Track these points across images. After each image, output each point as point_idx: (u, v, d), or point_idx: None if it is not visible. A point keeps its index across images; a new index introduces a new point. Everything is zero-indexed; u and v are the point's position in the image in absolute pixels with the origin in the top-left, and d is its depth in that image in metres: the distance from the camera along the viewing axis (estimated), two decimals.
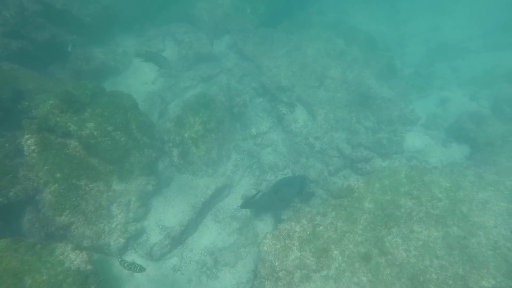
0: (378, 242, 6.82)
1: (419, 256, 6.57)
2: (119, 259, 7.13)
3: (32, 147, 7.46)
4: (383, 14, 18.38)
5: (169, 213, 8.43)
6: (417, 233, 6.93)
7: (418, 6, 18.97)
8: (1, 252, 5.91)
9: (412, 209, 7.33)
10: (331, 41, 13.19)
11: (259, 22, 13.93)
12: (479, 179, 8.04)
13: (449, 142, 10.32)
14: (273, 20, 14.25)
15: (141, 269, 6.92)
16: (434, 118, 11.18)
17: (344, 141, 9.91)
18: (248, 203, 8.22)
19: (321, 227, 7.13)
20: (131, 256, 7.91)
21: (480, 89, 12.52)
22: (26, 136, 7.54)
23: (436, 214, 7.24)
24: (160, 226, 8.19)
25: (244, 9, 14.11)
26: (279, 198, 8.04)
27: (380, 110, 10.83)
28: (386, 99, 10.96)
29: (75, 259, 6.37)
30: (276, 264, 6.74)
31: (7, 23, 9.62)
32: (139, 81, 11.41)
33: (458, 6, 19.02)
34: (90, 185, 7.78)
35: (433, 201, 7.45)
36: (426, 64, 14.02)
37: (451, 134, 10.63)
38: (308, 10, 16.25)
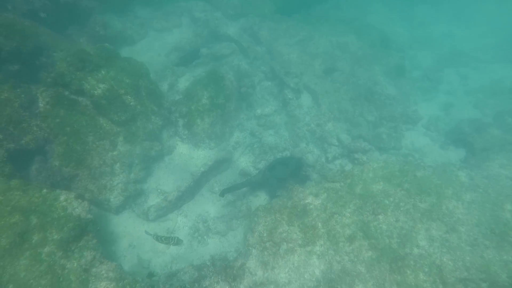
0: (364, 226, 7.15)
1: (401, 244, 6.89)
2: (154, 235, 7.54)
3: (47, 99, 7.82)
4: (399, 15, 18.45)
5: (168, 178, 8.79)
6: (402, 223, 7.23)
7: (436, 12, 18.98)
8: (12, 190, 6.32)
9: (401, 200, 7.63)
10: (344, 35, 13.37)
11: (276, 9, 14.12)
12: (469, 180, 8.30)
13: (447, 144, 10.57)
14: (290, 9, 14.43)
15: (179, 241, 7.24)
16: (436, 120, 11.40)
17: (344, 131, 10.18)
18: (227, 190, 8.42)
19: (311, 206, 7.47)
20: (128, 215, 8.31)
21: (486, 98, 12.68)
22: (42, 89, 7.90)
23: (423, 208, 7.53)
24: (159, 190, 8.56)
25: None
26: (274, 176, 8.35)
27: (384, 106, 11.06)
28: (390, 97, 11.18)
29: (77, 206, 6.74)
30: (265, 235, 7.10)
31: None
32: (153, 52, 11.71)
33: (477, 15, 19.01)
34: (97, 143, 8.14)
35: (422, 195, 7.74)
36: (435, 68, 14.17)
37: (450, 138, 10.87)
38: (325, 4, 16.38)
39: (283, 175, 8.40)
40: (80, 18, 11.26)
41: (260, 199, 8.90)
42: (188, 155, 9.32)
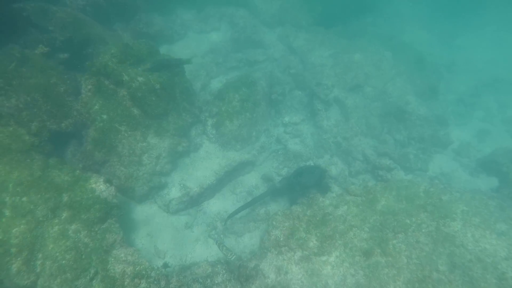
0: (382, 243, 7.02)
1: (420, 265, 6.70)
2: (218, 243, 7.76)
3: (89, 87, 8.30)
4: (438, 37, 18.09)
5: (192, 174, 9.03)
6: (423, 244, 7.04)
7: (478, 36, 18.48)
8: (50, 168, 6.75)
9: (423, 221, 7.43)
10: (380, 52, 13.31)
11: (313, 21, 14.30)
12: (500, 211, 7.96)
13: (478, 172, 10.20)
14: (327, 22, 14.55)
15: (236, 258, 7.42)
16: (468, 146, 11.04)
17: (371, 147, 10.07)
18: (232, 215, 8.46)
19: (330, 217, 7.43)
20: (150, 205, 8.59)
21: None
22: (86, 76, 8.40)
23: (446, 232, 7.30)
24: (182, 185, 8.81)
25: (301, 6, 14.53)
26: (298, 183, 8.38)
27: (414, 126, 10.85)
28: (421, 117, 10.97)
29: (105, 190, 7.07)
30: (281, 239, 7.13)
31: None
32: (190, 52, 12.14)
33: None
34: (129, 132, 8.52)
35: (446, 220, 7.51)
36: (472, 93, 13.74)
37: (482, 166, 10.47)
38: (363, 20, 16.37)
39: (308, 182, 8.43)
40: (127, 15, 11.91)
41: (279, 204, 8.93)
42: (214, 154, 9.54)
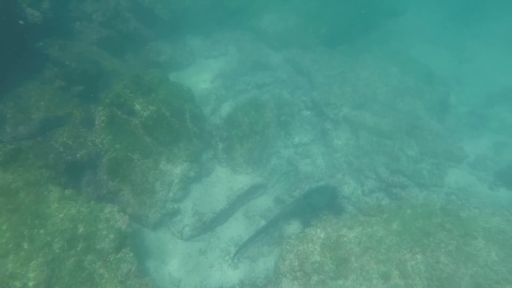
0: (400, 264, 6.83)
1: (441, 287, 6.46)
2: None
3: (102, 118, 8.58)
4: (447, 50, 18.03)
5: (204, 200, 9.06)
6: (443, 265, 6.81)
7: (487, 48, 18.34)
8: (66, 199, 6.91)
9: (442, 240, 7.21)
10: (387, 68, 13.34)
11: (319, 41, 14.51)
12: None
13: (497, 185, 9.90)
14: (332, 41, 14.74)
15: None
16: (484, 159, 10.78)
17: (383, 165, 9.95)
18: (239, 251, 8.36)
19: (345, 239, 7.30)
20: (164, 232, 8.61)
21: None
22: (100, 108, 8.71)
23: (467, 251, 7.05)
24: (194, 210, 8.84)
25: (306, 27, 14.81)
26: (309, 204, 8.32)
27: (426, 141, 10.71)
28: (433, 132, 10.83)
29: (119, 219, 7.17)
30: (296, 264, 7.02)
31: (104, 15, 11.23)
32: (199, 78, 12.44)
33: None
34: (142, 160, 8.69)
35: (467, 238, 7.27)
36: (484, 105, 13.52)
37: (501, 178, 10.17)
38: (368, 36, 16.50)
39: (319, 203, 8.35)
40: (137, 45, 12.38)
41: (293, 227, 8.83)
42: (225, 178, 9.58)
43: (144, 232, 8.57)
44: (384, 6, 16.46)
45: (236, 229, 8.94)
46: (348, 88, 11.94)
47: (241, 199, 9.25)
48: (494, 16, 20.73)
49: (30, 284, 5.75)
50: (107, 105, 8.73)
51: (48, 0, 9.38)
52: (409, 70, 13.47)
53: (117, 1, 11.59)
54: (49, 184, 7.10)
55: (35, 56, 8.88)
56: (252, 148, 9.85)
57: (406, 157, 10.25)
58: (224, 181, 9.50)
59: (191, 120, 9.82)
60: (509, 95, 13.96)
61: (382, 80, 12.66)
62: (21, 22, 8.58)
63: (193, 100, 10.20)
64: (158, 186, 8.73)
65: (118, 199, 8.40)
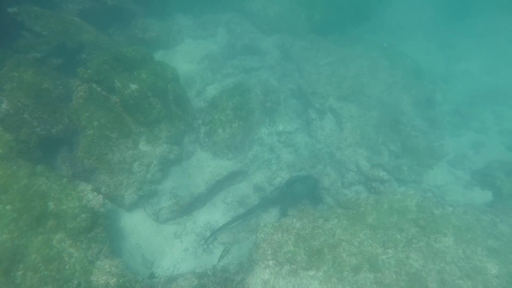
0: (372, 258, 6.91)
1: (409, 282, 6.59)
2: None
3: (81, 93, 8.26)
4: (437, 47, 18.03)
5: (183, 183, 8.95)
6: (413, 261, 6.93)
7: (477, 47, 18.40)
8: (37, 175, 6.68)
9: (414, 236, 7.33)
10: (376, 61, 13.24)
11: (311, 29, 14.25)
12: (492, 226, 7.86)
13: (472, 185, 10.10)
14: (324, 29, 14.50)
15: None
16: (463, 158, 10.95)
17: (364, 158, 9.99)
18: (213, 235, 8.32)
19: (320, 230, 7.34)
20: (139, 214, 8.50)
21: None
22: (78, 83, 8.36)
23: (437, 248, 7.20)
24: (172, 193, 8.72)
25: (299, 13, 14.49)
26: (290, 193, 8.31)
27: (408, 137, 10.76)
28: (417, 128, 10.88)
29: (92, 199, 7.01)
30: (269, 252, 7.03)
31: None
32: (186, 58, 12.11)
33: None
34: (120, 140, 8.46)
35: (438, 235, 7.40)
36: (468, 104, 13.62)
37: (477, 178, 10.37)
38: (361, 27, 16.31)
39: (301, 193, 8.35)
40: (123, 20, 11.89)
41: (270, 215, 8.84)
42: (206, 162, 9.46)
43: (119, 212, 8.44)
44: None
45: (213, 214, 8.89)
46: (336, 79, 11.82)
47: (220, 184, 9.17)
48: (484, 13, 20.74)
49: None
50: (85, 81, 8.38)
51: None
52: (398, 64, 13.42)
53: None
54: (19, 159, 6.85)
55: (8, 22, 8.38)
56: (234, 133, 9.71)
57: (388, 152, 10.31)
58: (205, 166, 9.38)
59: (174, 101, 9.58)
60: (493, 96, 14.12)
61: (372, 72, 12.58)
62: None
63: (177, 80, 9.92)
64: (136, 167, 8.55)
65: (94, 178, 8.20)
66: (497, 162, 10.39)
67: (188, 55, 12.36)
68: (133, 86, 8.76)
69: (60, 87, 8.45)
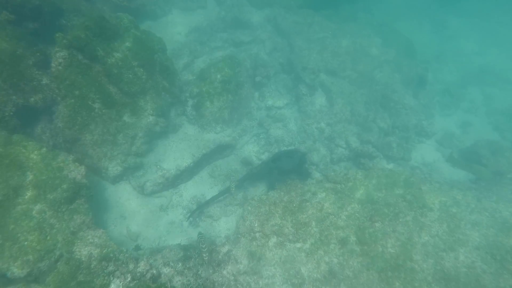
0: (359, 231, 6.95)
1: (394, 254, 6.67)
2: (200, 235, 6.68)
3: (60, 60, 7.80)
4: (430, 26, 17.86)
5: (169, 156, 8.74)
6: (399, 234, 7.00)
7: (469, 27, 18.30)
8: (13, 144, 6.36)
9: (401, 211, 7.38)
10: (369, 38, 13.02)
11: (303, 3, 13.82)
12: (476, 202, 7.97)
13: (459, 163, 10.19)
14: (317, 4, 14.08)
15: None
16: (451, 137, 11.02)
17: (354, 134, 9.92)
18: (199, 209, 8.14)
19: (307, 203, 7.30)
20: (124, 186, 8.30)
21: (508, 121, 12.17)
22: (57, 49, 7.88)
23: (422, 222, 7.28)
24: (158, 166, 8.51)
25: None
26: (277, 167, 8.21)
27: (399, 115, 10.73)
28: (407, 106, 10.84)
29: (74, 169, 6.75)
30: (256, 225, 6.99)
31: None
32: (174, 30, 11.63)
33: None
34: (103, 110, 8.12)
35: (424, 209, 7.48)
36: (459, 84, 13.65)
37: (463, 156, 10.48)
38: (355, 4, 15.93)
39: (286, 167, 8.25)
40: None
41: (258, 189, 8.76)
42: (193, 136, 9.23)
43: (103, 184, 8.22)
44: None
45: (200, 188, 8.76)
46: (328, 55, 11.58)
47: (207, 158, 9.00)
48: None
49: None
50: (65, 47, 7.91)
51: None
52: (391, 42, 13.23)
53: None
54: None
55: None
56: (222, 106, 9.46)
57: (378, 129, 10.26)
58: (192, 139, 9.15)
59: (161, 73, 9.21)
60: (484, 77, 14.15)
61: (364, 49, 12.37)
62: None
63: (164, 51, 9.51)
64: (120, 138, 8.27)
65: (76, 149, 7.90)
66: (483, 141, 10.51)
67: (176, 27, 11.87)
68: (117, 55, 8.35)
69: (38, 54, 7.97)
